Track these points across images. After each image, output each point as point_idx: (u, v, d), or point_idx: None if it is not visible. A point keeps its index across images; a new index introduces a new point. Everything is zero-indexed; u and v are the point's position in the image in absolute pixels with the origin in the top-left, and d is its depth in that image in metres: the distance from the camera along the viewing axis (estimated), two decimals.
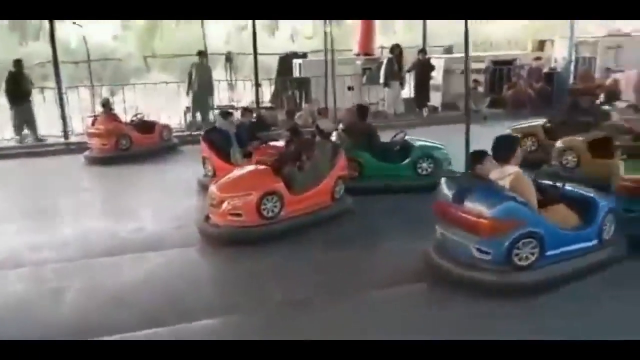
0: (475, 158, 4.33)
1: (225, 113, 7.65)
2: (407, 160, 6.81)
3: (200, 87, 10.78)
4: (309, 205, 5.63)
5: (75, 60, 13.61)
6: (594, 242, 4.31)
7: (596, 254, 4.31)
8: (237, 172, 5.75)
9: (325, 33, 9.23)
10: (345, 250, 5.11)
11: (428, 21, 13.24)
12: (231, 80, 12.61)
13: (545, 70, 13.42)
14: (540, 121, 8.18)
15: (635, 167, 4.85)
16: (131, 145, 9.16)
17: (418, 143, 7.03)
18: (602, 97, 12.21)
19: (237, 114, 8.51)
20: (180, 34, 23.48)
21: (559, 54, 13.78)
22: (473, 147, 5.59)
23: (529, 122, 8.44)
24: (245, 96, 12.29)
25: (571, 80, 13.20)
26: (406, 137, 7.12)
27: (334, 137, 6.63)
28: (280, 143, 6.62)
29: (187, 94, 10.98)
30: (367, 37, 13.47)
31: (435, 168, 6.76)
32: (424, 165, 6.79)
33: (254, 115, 8.54)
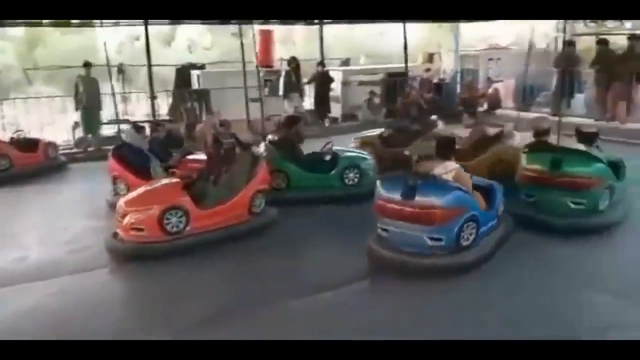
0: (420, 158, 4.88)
1: (138, 127, 7.23)
2: (334, 171, 6.83)
3: (88, 100, 10.07)
4: (222, 220, 5.45)
5: None
6: (495, 220, 4.98)
7: (497, 231, 4.98)
8: (146, 186, 5.52)
9: (242, 44, 9.01)
10: (261, 262, 5.04)
11: (325, 34, 13.55)
12: (124, 93, 11.95)
13: (435, 81, 14.32)
14: (378, 131, 8.54)
15: (536, 160, 5.57)
16: (11, 166, 8.35)
17: (344, 153, 7.09)
18: (485, 104, 13.34)
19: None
20: (66, 44, 21.96)
21: (446, 66, 14.78)
22: None
23: (369, 131, 8.76)
24: (140, 109, 11.71)
25: (458, 90, 14.23)
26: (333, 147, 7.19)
27: (261, 149, 6.55)
28: (203, 156, 6.50)
29: (76, 109, 10.23)
30: (267, 49, 13.47)
31: (361, 178, 6.86)
32: (351, 175, 6.86)
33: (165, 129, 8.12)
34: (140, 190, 5.46)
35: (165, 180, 5.61)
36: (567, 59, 11.73)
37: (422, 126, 8.12)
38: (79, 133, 10.51)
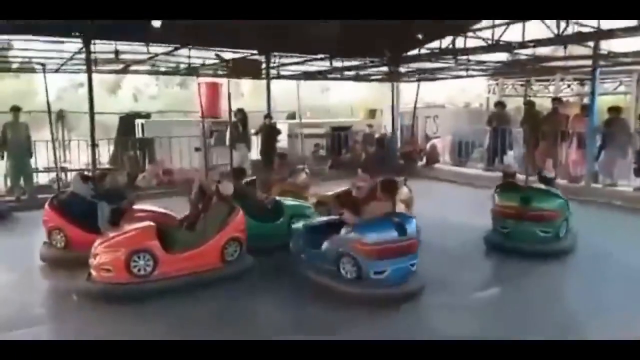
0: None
1: (85, 177, 6.82)
2: (281, 219, 6.88)
3: (16, 147, 9.44)
4: (192, 266, 5.36)
5: None
6: None
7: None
8: (125, 228, 5.54)
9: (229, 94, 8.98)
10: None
11: (272, 88, 13.91)
12: (64, 140, 11.64)
13: (377, 135, 14.90)
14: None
15: (507, 198, 6.70)
16: None
17: (288, 202, 7.19)
18: (424, 159, 13.94)
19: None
20: (1, 88, 21.22)
21: (387, 122, 15.45)
22: None
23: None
24: (81, 156, 11.37)
25: (398, 144, 14.85)
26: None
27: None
28: (153, 207, 6.49)
29: (1, 157, 9.57)
30: (214, 100, 13.64)
31: None
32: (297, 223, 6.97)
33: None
34: (116, 233, 5.49)
35: (141, 224, 5.57)
36: (498, 118, 12.63)
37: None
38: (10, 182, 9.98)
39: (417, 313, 4.84)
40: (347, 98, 21.85)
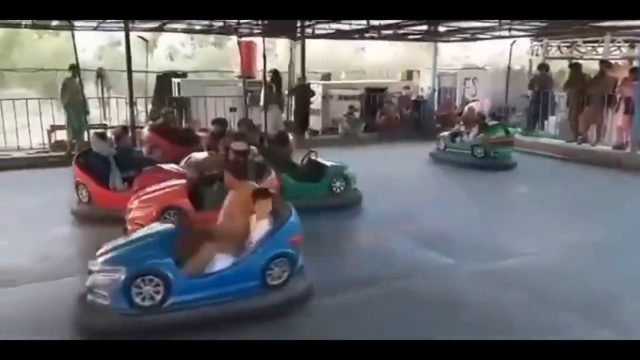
0: None
1: (102, 135, 7.00)
2: (323, 180, 6.98)
3: (75, 104, 9.86)
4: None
5: None
6: None
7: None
8: (156, 186, 5.64)
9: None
10: None
11: (307, 49, 13.69)
12: (103, 98, 11.84)
13: (414, 98, 14.59)
14: None
15: (495, 132, 9.95)
16: None
17: (330, 163, 7.25)
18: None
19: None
20: (44, 47, 21.66)
21: (424, 84, 15.07)
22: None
23: None
24: (119, 115, 11.59)
25: (435, 107, 14.52)
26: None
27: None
28: (172, 166, 6.48)
29: (65, 109, 9.97)
30: (249, 60, 13.55)
31: (347, 186, 7.07)
32: (338, 184, 7.04)
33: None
34: (150, 188, 5.62)
35: (173, 182, 5.70)
36: (541, 81, 12.14)
37: None
38: (57, 136, 10.33)
39: None
40: (383, 59, 21.37)
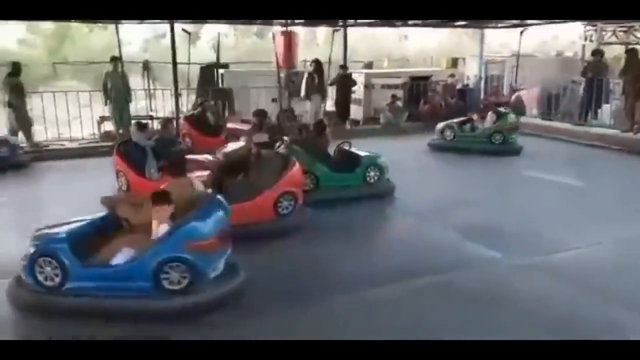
0: None
1: (141, 125, 7.21)
2: (358, 170, 7.01)
3: (117, 95, 10.20)
4: (243, 218, 5.33)
5: None
6: None
7: None
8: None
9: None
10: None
11: (349, 37, 13.55)
12: (149, 89, 12.12)
13: (459, 86, 14.22)
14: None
15: (502, 119, 9.99)
16: None
17: (364, 153, 7.26)
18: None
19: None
20: (94, 41, 22.37)
21: (470, 72, 14.66)
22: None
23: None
24: (164, 106, 11.84)
25: (482, 96, 14.11)
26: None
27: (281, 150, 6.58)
28: (205, 156, 6.48)
29: (105, 103, 10.38)
30: (290, 50, 13.54)
31: (380, 176, 7.07)
32: (372, 173, 7.04)
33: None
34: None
35: (197, 173, 5.64)
36: (595, 68, 11.55)
37: None
38: (106, 127, 10.68)
39: None
40: (427, 46, 20.91)
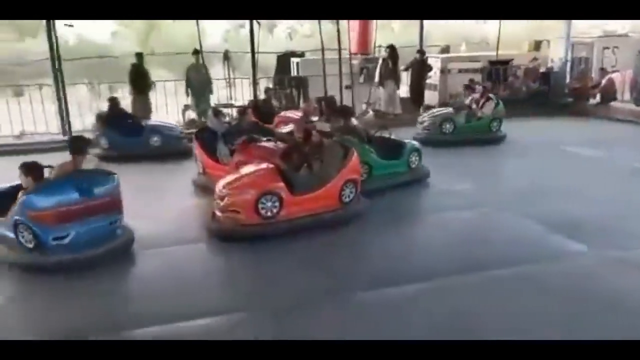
0: None
1: (217, 112, 7.67)
2: (403, 156, 7.10)
3: (198, 86, 10.78)
4: (312, 208, 5.58)
5: (73, 57, 13.58)
6: None
7: None
8: (244, 170, 5.79)
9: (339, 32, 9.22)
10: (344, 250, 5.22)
11: (425, 21, 13.29)
12: (229, 79, 12.62)
13: (542, 70, 13.51)
14: None
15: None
16: None
17: (406, 140, 7.48)
18: (598, 96, 12.38)
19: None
20: (179, 32, 23.45)
21: (555, 55, 13.85)
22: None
23: None
24: (243, 94, 12.29)
25: (567, 80, 13.32)
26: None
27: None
28: (270, 144, 6.66)
29: (187, 94, 10.99)
30: (365, 36, 13.50)
31: (419, 161, 7.25)
32: (413, 159, 7.19)
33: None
34: (238, 174, 5.74)
35: (263, 165, 5.79)
36: None
37: None
38: (190, 115, 11.29)
39: None
40: (508, 29, 19.92)
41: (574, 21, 13.22)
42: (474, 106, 9.77)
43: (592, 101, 12.55)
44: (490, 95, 9.91)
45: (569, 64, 13.35)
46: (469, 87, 10.27)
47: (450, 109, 9.80)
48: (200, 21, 11.12)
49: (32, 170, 4.81)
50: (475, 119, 9.60)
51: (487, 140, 9.42)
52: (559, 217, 5.66)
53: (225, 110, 9.50)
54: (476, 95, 9.89)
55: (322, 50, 11.07)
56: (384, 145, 7.17)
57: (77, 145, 5.11)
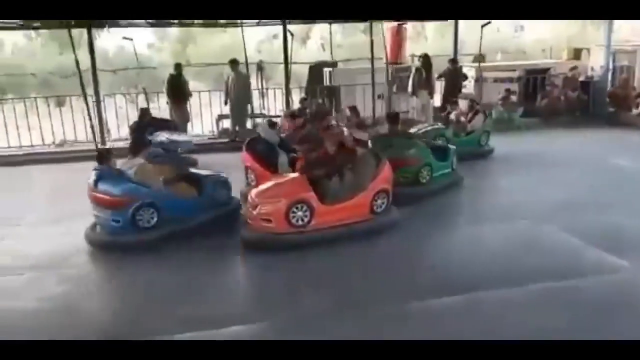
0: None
1: (272, 123, 7.62)
2: (449, 158, 7.35)
3: (238, 96, 10.75)
4: (343, 217, 5.55)
5: (113, 68, 14.00)
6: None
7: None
8: (275, 179, 5.83)
9: (372, 42, 9.27)
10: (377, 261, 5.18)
11: (460, 29, 13.13)
12: (263, 89, 12.75)
13: (582, 79, 13.14)
14: None
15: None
16: None
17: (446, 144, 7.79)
18: None
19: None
20: (214, 43, 23.92)
21: (595, 63, 13.45)
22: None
23: None
24: (276, 104, 12.38)
25: (608, 88, 12.91)
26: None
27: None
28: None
29: (225, 103, 11.00)
30: (398, 45, 13.43)
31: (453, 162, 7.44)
32: (454, 160, 7.43)
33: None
34: (270, 183, 5.77)
35: (292, 175, 5.82)
36: None
37: None
38: (224, 125, 11.39)
39: None
40: (546, 37, 19.52)
41: (615, 28, 12.83)
42: (462, 119, 9.48)
43: (634, 111, 12.10)
44: (479, 108, 9.65)
45: (610, 73, 12.94)
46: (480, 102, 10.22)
47: (439, 124, 9.49)
48: (240, 31, 11.24)
49: None
50: (463, 133, 9.29)
51: (475, 155, 8.90)
52: (599, 231, 5.47)
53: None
54: (462, 109, 9.70)
55: (372, 59, 11.04)
56: (434, 148, 7.36)
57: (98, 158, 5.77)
